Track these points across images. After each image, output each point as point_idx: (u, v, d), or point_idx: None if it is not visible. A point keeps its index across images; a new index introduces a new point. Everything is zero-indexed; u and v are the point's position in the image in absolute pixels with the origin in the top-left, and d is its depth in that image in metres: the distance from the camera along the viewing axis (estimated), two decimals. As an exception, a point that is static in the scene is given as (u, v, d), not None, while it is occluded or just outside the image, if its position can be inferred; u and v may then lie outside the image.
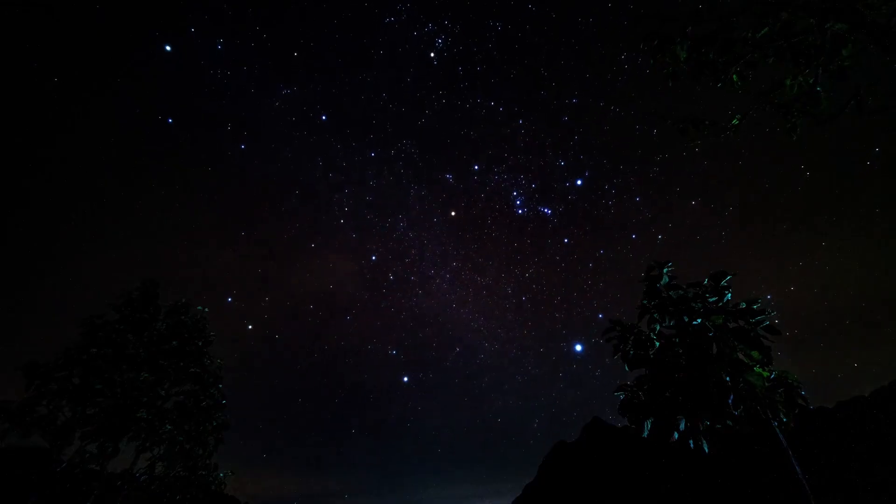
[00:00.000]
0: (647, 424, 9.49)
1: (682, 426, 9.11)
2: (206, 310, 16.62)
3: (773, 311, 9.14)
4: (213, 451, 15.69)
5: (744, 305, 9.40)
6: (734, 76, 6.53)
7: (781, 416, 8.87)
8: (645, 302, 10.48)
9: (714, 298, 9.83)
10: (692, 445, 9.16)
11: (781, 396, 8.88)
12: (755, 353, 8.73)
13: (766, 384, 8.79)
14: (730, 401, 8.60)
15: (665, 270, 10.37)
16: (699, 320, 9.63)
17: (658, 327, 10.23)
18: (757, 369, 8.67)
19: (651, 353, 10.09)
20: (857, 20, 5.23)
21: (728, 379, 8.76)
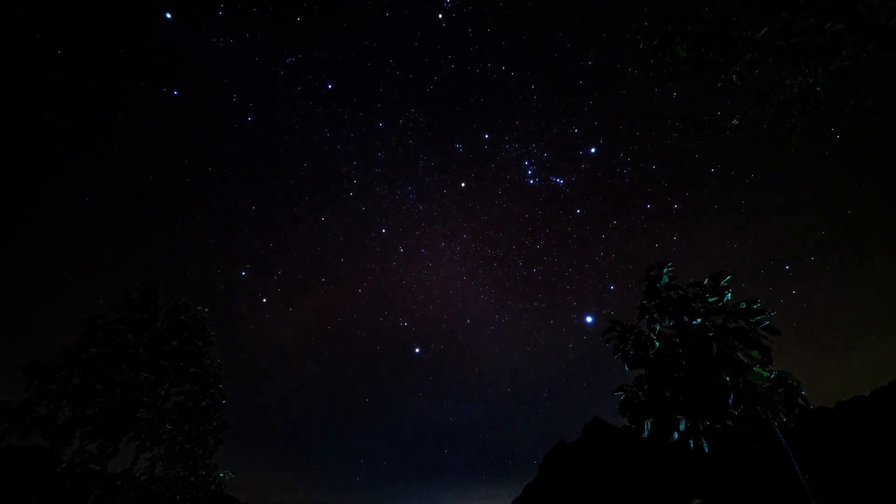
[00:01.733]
0: (647, 424, 9.49)
1: (682, 426, 9.11)
2: (207, 310, 16.63)
3: (773, 312, 9.14)
4: (213, 452, 15.69)
5: (744, 305, 9.40)
6: (734, 76, 6.53)
7: (781, 416, 8.87)
8: (645, 302, 10.47)
9: (714, 298, 9.83)
10: (692, 445, 9.16)
11: (781, 396, 8.88)
12: (755, 353, 8.72)
13: (766, 384, 8.79)
14: (730, 401, 8.60)
15: (665, 270, 10.37)
16: (699, 320, 9.63)
17: (658, 327, 10.23)
18: (757, 369, 8.67)
19: (651, 353, 10.08)
20: (857, 20, 5.23)
21: (728, 379, 8.76)
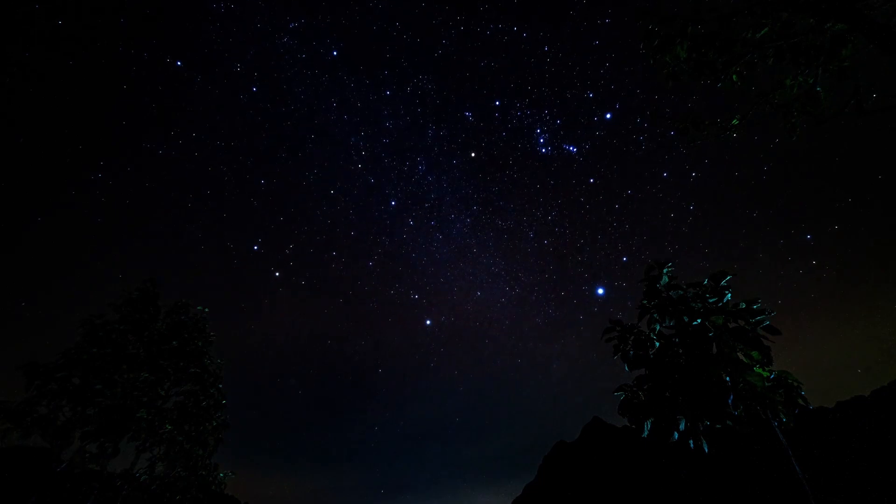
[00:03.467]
0: (647, 424, 9.48)
1: (682, 426, 9.10)
2: (207, 310, 16.63)
3: (773, 311, 9.13)
4: (213, 451, 15.69)
5: (744, 305, 9.40)
6: (734, 76, 6.53)
7: (781, 416, 8.87)
8: (645, 302, 10.47)
9: (714, 298, 9.82)
10: (692, 445, 9.16)
11: (781, 396, 8.87)
12: (755, 353, 8.72)
13: (766, 384, 8.79)
14: (730, 401, 8.59)
15: (665, 270, 10.37)
16: (699, 320, 9.63)
17: (658, 327, 10.22)
18: (757, 369, 8.67)
19: (651, 353, 10.08)
20: (857, 20, 5.23)
21: (728, 379, 8.76)
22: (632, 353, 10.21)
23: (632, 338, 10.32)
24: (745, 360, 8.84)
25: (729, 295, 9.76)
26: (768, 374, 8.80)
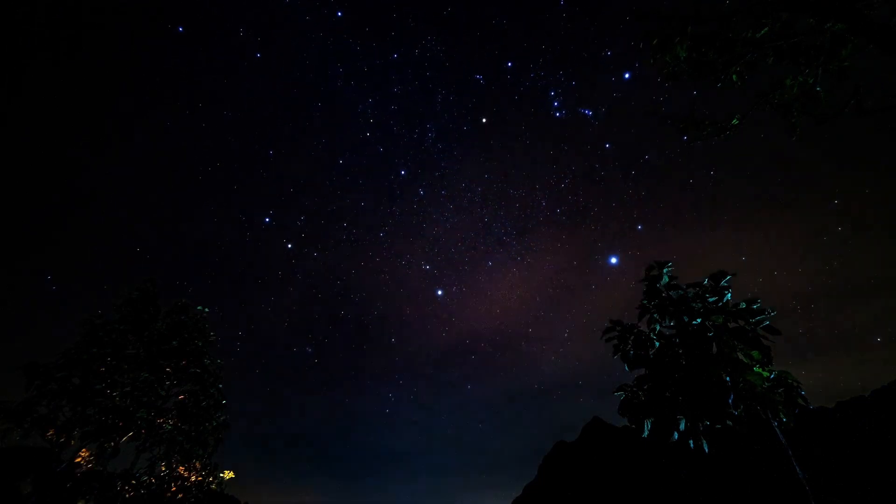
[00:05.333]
0: (647, 424, 9.48)
1: (682, 426, 9.10)
2: (206, 310, 16.63)
3: (773, 311, 9.13)
4: (213, 451, 15.68)
5: (744, 305, 9.39)
6: (734, 76, 6.53)
7: (781, 416, 8.87)
8: (645, 302, 10.47)
9: (714, 298, 9.82)
10: (692, 445, 9.16)
11: (781, 396, 8.87)
12: (755, 353, 8.72)
13: (766, 384, 8.78)
14: (730, 401, 8.59)
15: (665, 270, 10.36)
16: (699, 320, 9.62)
17: (658, 327, 10.22)
18: (757, 369, 8.67)
19: (651, 353, 10.08)
20: (857, 20, 5.23)
21: (728, 379, 8.76)
22: (632, 353, 10.21)
23: (632, 338, 10.33)
24: (745, 360, 8.84)
25: (729, 295, 9.76)
26: (768, 374, 8.80)
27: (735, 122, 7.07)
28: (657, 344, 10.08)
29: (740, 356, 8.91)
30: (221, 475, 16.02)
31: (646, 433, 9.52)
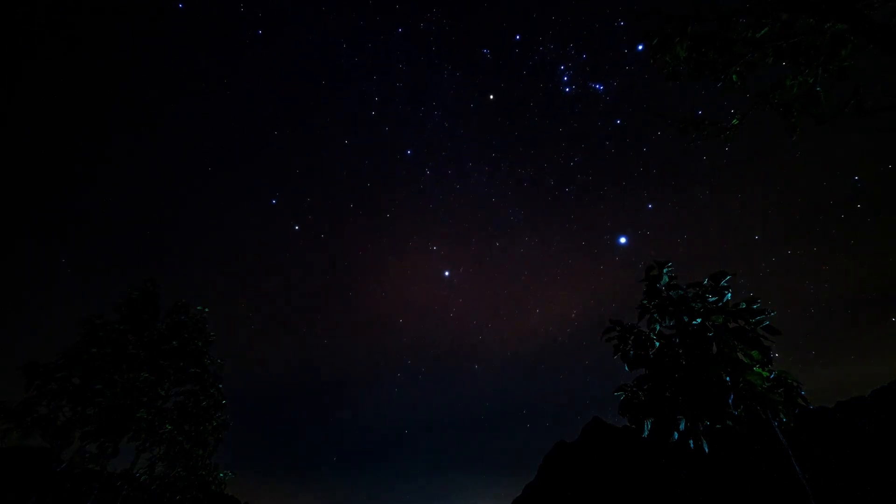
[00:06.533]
0: (647, 424, 9.48)
1: (682, 426, 9.10)
2: (206, 310, 16.63)
3: (773, 311, 9.14)
4: (213, 452, 15.69)
5: (744, 305, 9.40)
6: (734, 76, 6.53)
7: (781, 416, 8.87)
8: (645, 302, 10.47)
9: (714, 298, 9.82)
10: (692, 445, 9.16)
11: (781, 396, 8.88)
12: (755, 353, 8.72)
13: (766, 384, 8.79)
14: (730, 401, 8.60)
15: (665, 270, 10.37)
16: (699, 320, 9.63)
17: (658, 327, 10.23)
18: (757, 369, 8.67)
19: (651, 353, 10.08)
20: (857, 20, 5.23)
21: (728, 379, 8.76)
22: (632, 353, 10.21)
23: (632, 338, 10.33)
24: (745, 360, 8.84)
25: (729, 295, 9.76)
26: (768, 373, 8.80)
27: (735, 122, 7.08)
28: (657, 344, 10.09)
29: (740, 356, 8.91)
30: (221, 475, 16.02)
31: (646, 433, 9.53)
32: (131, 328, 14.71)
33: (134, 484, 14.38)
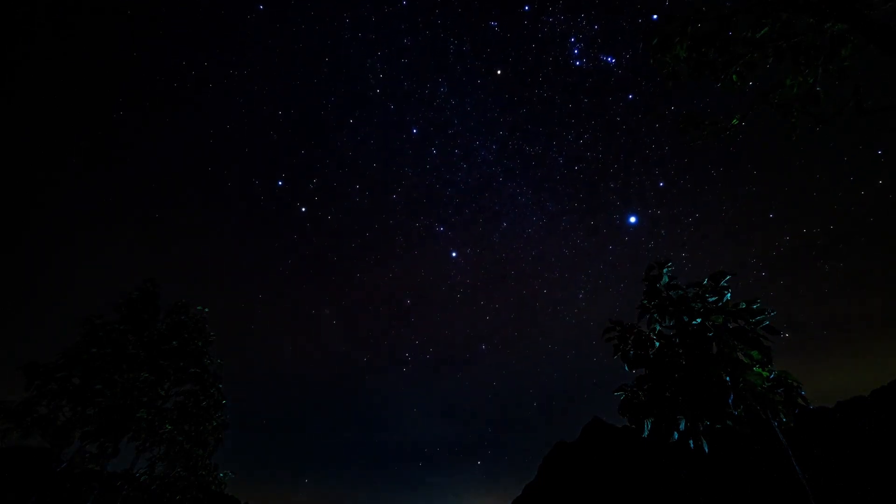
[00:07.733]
0: (647, 424, 9.48)
1: (682, 426, 9.10)
2: (206, 310, 16.63)
3: (773, 311, 9.13)
4: (213, 452, 15.69)
5: (744, 305, 9.39)
6: (734, 76, 6.53)
7: (781, 416, 8.87)
8: (645, 302, 10.47)
9: (714, 298, 9.82)
10: (692, 445, 9.16)
11: (781, 396, 8.87)
12: (755, 353, 8.72)
13: (766, 384, 8.78)
14: (730, 401, 8.59)
15: (665, 270, 10.37)
16: (699, 320, 9.62)
17: (658, 327, 10.22)
18: (757, 369, 8.67)
19: (651, 353, 10.08)
20: (857, 20, 5.23)
21: (728, 379, 8.76)
22: (632, 353, 10.21)
23: (632, 338, 10.32)
24: (745, 360, 8.84)
25: (729, 295, 9.75)
26: (768, 374, 8.80)
27: (735, 122, 7.08)
28: (657, 344, 10.08)
29: (740, 356, 8.90)
30: (221, 475, 16.02)
31: (646, 433, 9.52)
32: (131, 328, 14.70)
33: (134, 484, 14.37)
